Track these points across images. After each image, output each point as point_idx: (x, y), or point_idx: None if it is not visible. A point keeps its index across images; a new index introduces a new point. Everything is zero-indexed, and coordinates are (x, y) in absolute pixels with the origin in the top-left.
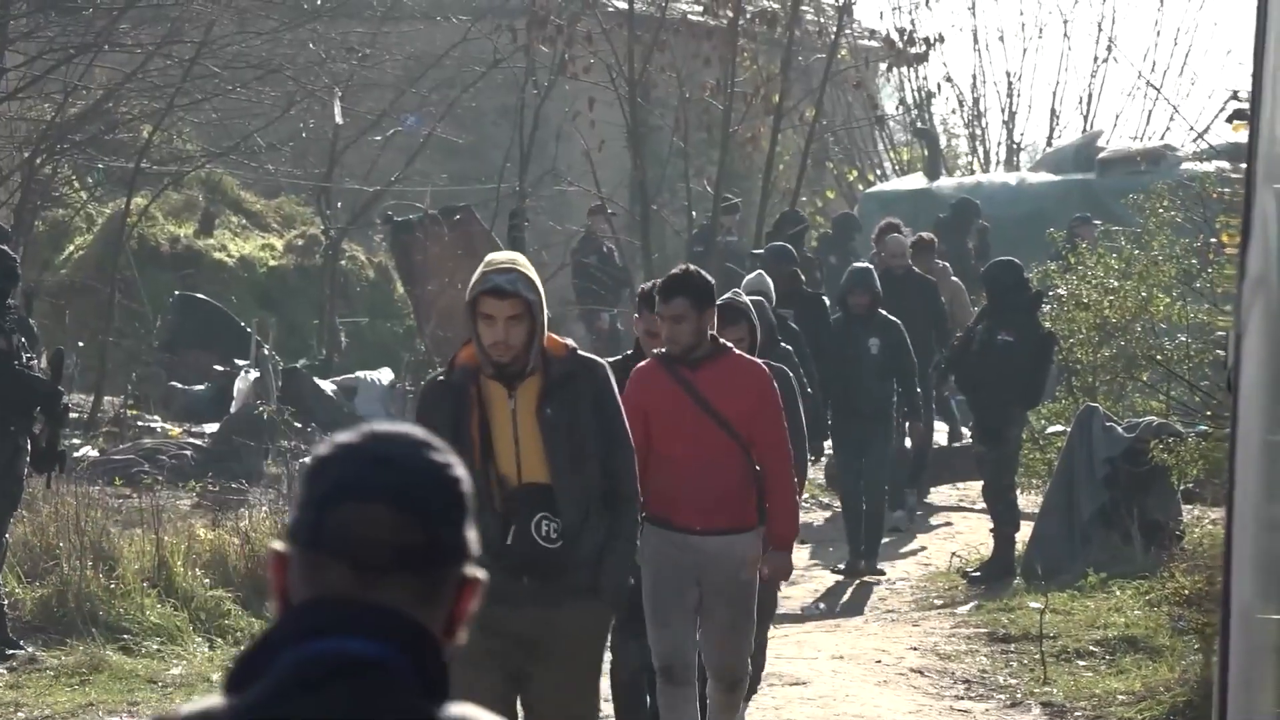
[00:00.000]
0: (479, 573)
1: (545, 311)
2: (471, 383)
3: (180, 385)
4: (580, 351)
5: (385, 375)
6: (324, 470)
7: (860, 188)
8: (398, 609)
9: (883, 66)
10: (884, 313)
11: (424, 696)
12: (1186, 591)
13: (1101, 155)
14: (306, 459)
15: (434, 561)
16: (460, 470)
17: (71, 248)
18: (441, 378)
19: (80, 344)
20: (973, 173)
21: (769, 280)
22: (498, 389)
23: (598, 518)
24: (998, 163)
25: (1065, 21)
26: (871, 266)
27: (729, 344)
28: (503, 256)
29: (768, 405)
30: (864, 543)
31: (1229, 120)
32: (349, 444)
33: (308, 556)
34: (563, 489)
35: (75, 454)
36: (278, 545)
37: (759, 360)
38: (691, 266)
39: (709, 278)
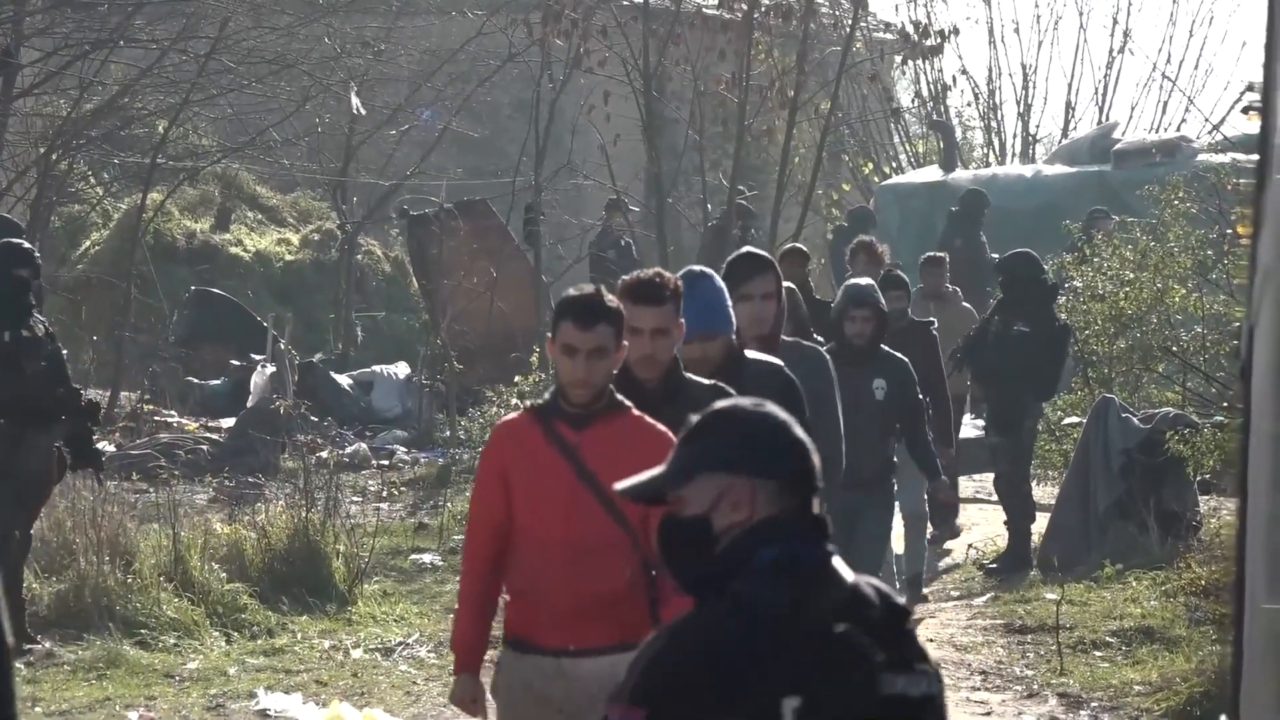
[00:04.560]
0: None
1: None
2: None
3: (196, 380)
4: None
5: (401, 369)
6: (786, 427)
7: (876, 180)
8: (825, 518)
9: (898, 59)
10: (886, 348)
11: None
12: (1203, 582)
13: (1117, 147)
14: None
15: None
16: None
17: (88, 243)
18: None
19: (95, 339)
20: (988, 165)
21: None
22: None
23: None
24: (1013, 155)
25: (1081, 13)
26: (874, 282)
27: (627, 402)
28: None
29: None
30: None
31: (1244, 111)
32: (777, 412)
33: (784, 485)
34: None
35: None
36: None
37: (660, 425)
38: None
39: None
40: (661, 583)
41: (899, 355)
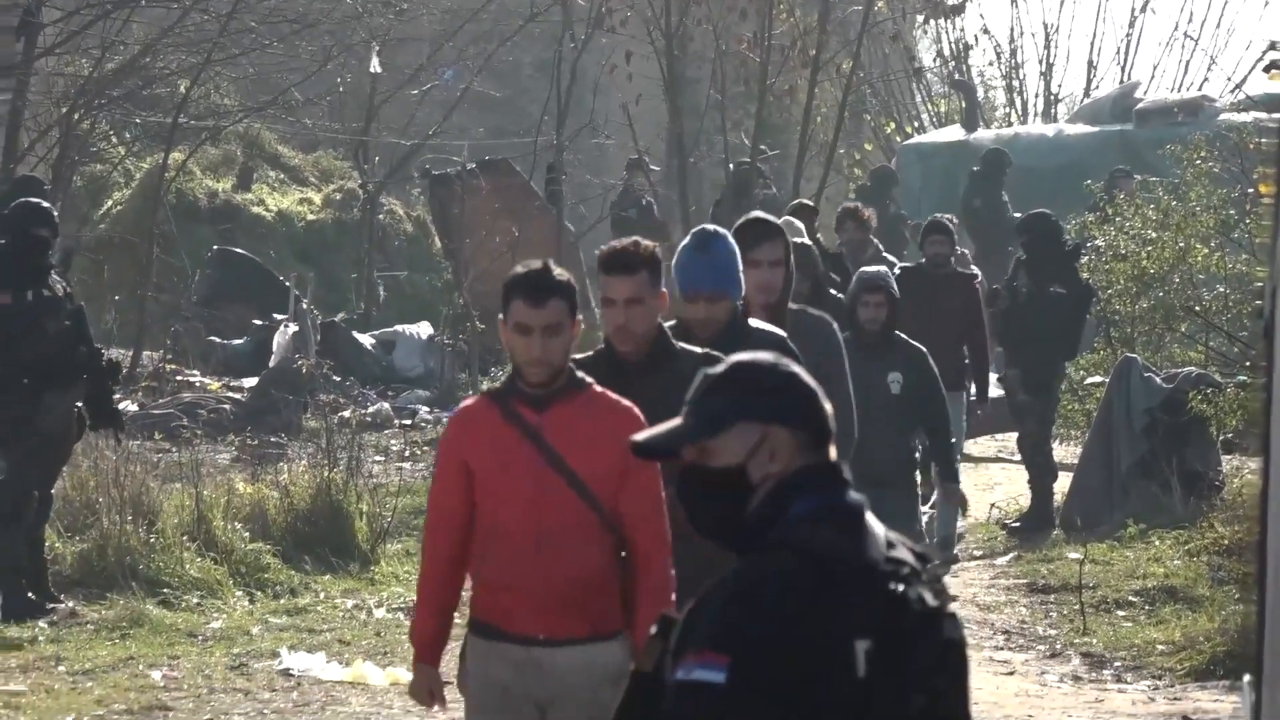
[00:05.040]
0: None
1: None
2: None
3: (219, 340)
4: None
5: (424, 329)
6: (801, 378)
7: (898, 140)
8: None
9: (920, 18)
10: (903, 335)
11: None
12: (1226, 541)
13: (1139, 106)
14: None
15: None
16: None
17: (110, 203)
18: None
19: (118, 298)
20: (1010, 124)
21: (800, 224)
22: None
23: None
24: (1035, 114)
25: None
26: (887, 270)
27: (589, 379)
28: None
29: (643, 462)
30: None
31: (1266, 70)
32: (788, 363)
33: (806, 437)
34: None
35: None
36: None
37: (625, 402)
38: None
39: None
40: (640, 565)
41: (916, 345)
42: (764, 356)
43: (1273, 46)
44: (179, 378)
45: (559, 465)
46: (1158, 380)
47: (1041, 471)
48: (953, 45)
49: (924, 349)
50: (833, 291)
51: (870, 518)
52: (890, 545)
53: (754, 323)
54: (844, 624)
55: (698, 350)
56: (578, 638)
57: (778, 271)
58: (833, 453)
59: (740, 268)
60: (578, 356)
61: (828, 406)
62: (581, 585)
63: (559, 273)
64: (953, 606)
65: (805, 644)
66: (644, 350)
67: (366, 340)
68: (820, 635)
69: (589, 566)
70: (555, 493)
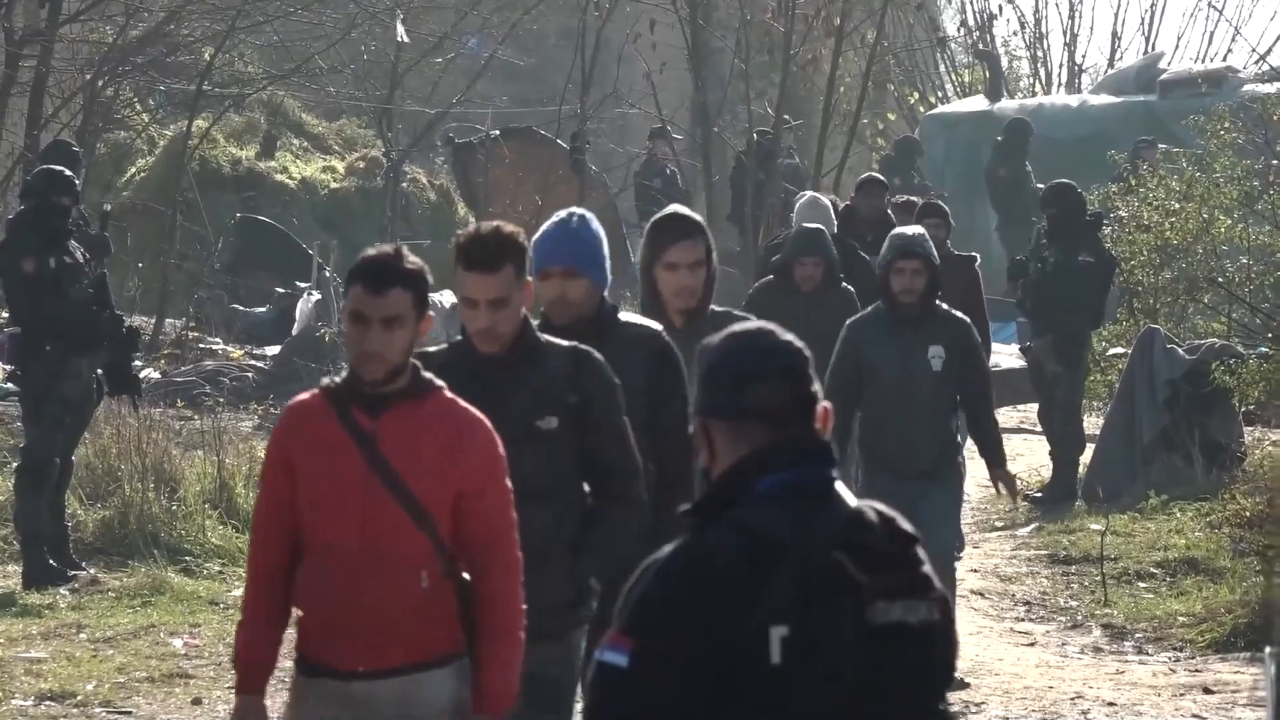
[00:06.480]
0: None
1: None
2: None
3: (241, 307)
4: None
5: (447, 297)
6: (728, 363)
7: (922, 110)
8: (829, 443)
9: None
10: (945, 306)
11: None
12: (1247, 513)
13: (1163, 77)
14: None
15: (815, 406)
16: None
17: (133, 170)
18: None
19: (141, 265)
20: (1034, 95)
21: (826, 202)
22: None
23: None
24: (1059, 85)
25: None
26: (924, 231)
27: (436, 379)
28: None
29: (493, 479)
30: None
31: None
32: (735, 344)
33: (733, 424)
34: None
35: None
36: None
37: (476, 412)
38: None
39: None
40: (487, 595)
41: (960, 315)
42: (712, 341)
43: None
44: (201, 345)
45: (391, 480)
46: (1180, 351)
47: (1069, 442)
48: (977, 15)
49: (968, 320)
50: (846, 286)
51: (840, 493)
52: (861, 526)
53: (624, 316)
54: (761, 609)
55: (564, 344)
56: (401, 667)
57: (699, 273)
58: (811, 427)
59: (607, 254)
60: (430, 350)
61: (786, 384)
62: (406, 613)
63: (410, 261)
64: (943, 592)
65: (714, 631)
66: (506, 348)
67: None
68: (732, 622)
69: (414, 594)
70: (383, 510)
